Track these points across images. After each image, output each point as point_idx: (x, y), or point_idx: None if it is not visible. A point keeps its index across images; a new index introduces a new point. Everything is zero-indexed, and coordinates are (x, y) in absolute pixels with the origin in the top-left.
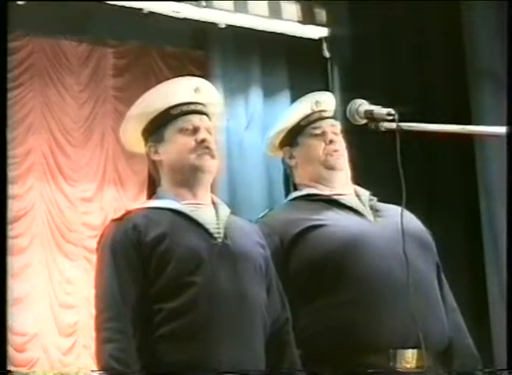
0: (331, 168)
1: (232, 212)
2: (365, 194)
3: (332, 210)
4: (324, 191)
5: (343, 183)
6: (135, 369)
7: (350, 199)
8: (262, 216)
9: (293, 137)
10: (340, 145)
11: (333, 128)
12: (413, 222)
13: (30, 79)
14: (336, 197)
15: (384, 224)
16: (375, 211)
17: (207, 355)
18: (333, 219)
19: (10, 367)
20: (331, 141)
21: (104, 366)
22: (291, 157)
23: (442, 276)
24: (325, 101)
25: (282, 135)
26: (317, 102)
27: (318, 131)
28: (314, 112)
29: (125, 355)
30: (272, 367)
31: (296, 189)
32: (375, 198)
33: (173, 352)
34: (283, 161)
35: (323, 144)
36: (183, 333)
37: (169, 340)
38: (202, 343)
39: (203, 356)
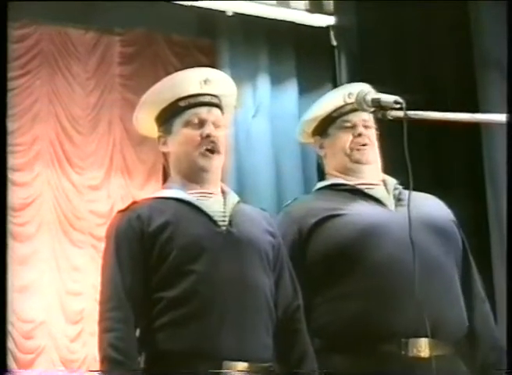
0: (356, 162)
1: (242, 201)
2: (392, 182)
3: (355, 200)
4: (350, 181)
5: (371, 174)
6: (135, 358)
7: (375, 189)
8: (286, 205)
9: (325, 127)
10: (370, 139)
11: (365, 121)
12: (440, 211)
13: (37, 67)
14: (359, 187)
15: (404, 214)
16: (397, 200)
17: (208, 344)
18: (353, 208)
19: (17, 354)
20: (359, 134)
21: (104, 354)
22: (321, 147)
23: (472, 266)
24: None
25: (314, 124)
26: (350, 94)
27: (348, 124)
28: (346, 104)
29: (125, 344)
30: (282, 356)
31: (324, 178)
32: (400, 187)
33: (174, 341)
34: (316, 150)
35: (351, 137)
36: (184, 322)
37: (170, 328)
38: (203, 331)
39: (204, 344)
